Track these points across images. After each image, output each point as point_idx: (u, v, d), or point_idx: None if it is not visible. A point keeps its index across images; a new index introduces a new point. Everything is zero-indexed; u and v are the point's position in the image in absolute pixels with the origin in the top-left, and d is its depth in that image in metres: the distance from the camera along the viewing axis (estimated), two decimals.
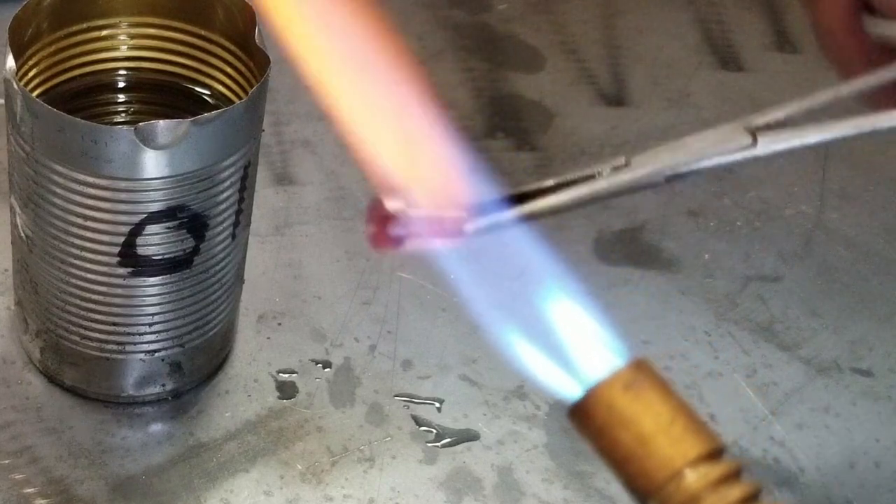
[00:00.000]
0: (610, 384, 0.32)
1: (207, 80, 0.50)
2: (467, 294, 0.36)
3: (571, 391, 0.33)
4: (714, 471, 0.31)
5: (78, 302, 0.48)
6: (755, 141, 0.38)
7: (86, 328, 0.49)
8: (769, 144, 0.38)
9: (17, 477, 0.48)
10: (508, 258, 0.37)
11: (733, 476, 0.32)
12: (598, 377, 0.33)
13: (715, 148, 0.38)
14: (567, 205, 0.37)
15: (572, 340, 0.34)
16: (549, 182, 0.37)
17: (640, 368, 0.33)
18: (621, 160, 0.38)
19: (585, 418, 0.33)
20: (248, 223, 0.50)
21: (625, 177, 0.38)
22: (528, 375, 0.34)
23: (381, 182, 0.35)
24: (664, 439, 0.32)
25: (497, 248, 0.37)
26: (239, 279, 0.51)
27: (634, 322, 0.57)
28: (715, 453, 0.32)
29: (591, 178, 0.38)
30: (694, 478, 0.31)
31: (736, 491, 0.31)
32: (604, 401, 0.32)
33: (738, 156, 0.38)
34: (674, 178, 0.38)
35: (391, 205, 0.34)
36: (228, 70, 0.49)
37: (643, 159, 0.38)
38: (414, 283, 0.57)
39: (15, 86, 0.44)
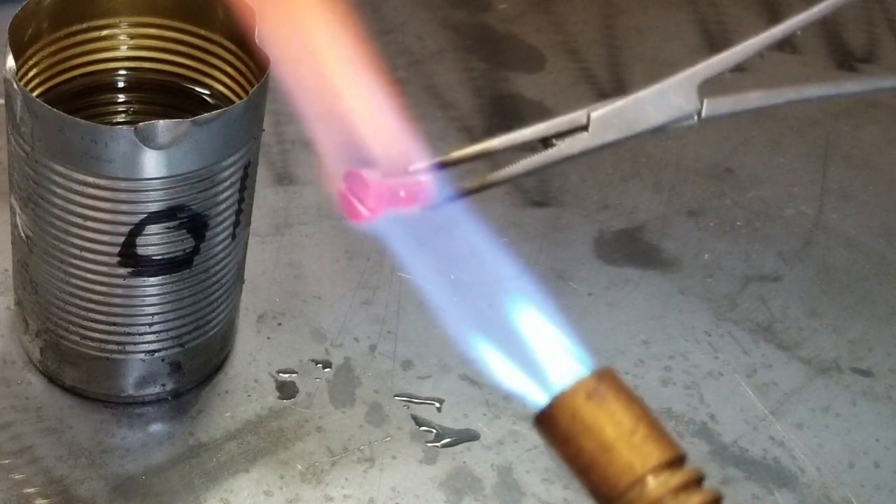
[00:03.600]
0: (573, 393, 0.33)
1: (207, 80, 0.50)
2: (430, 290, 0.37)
3: (537, 400, 0.34)
4: (674, 478, 0.32)
5: (78, 302, 0.48)
6: (702, 105, 0.39)
7: (86, 328, 0.49)
8: (715, 108, 0.39)
9: (17, 477, 0.48)
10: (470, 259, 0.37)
11: (693, 484, 0.32)
12: (562, 386, 0.33)
13: (665, 112, 0.38)
14: (527, 171, 0.38)
15: (538, 348, 0.34)
16: (496, 144, 0.38)
17: (603, 377, 0.33)
18: (583, 119, 0.38)
19: (550, 427, 0.33)
20: (248, 223, 0.50)
21: (582, 142, 0.38)
22: (494, 382, 0.35)
23: (356, 154, 0.36)
24: (626, 447, 0.32)
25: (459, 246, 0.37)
26: (239, 279, 0.51)
27: (634, 322, 0.57)
28: (676, 461, 0.33)
29: (548, 141, 0.38)
30: (654, 485, 0.32)
31: (696, 498, 0.32)
32: (567, 409, 0.33)
33: (686, 122, 0.39)
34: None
35: (367, 175, 0.35)
36: (228, 70, 0.49)
37: (601, 119, 0.38)
38: (414, 282, 0.57)
39: (15, 86, 0.44)
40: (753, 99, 0.39)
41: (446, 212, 0.37)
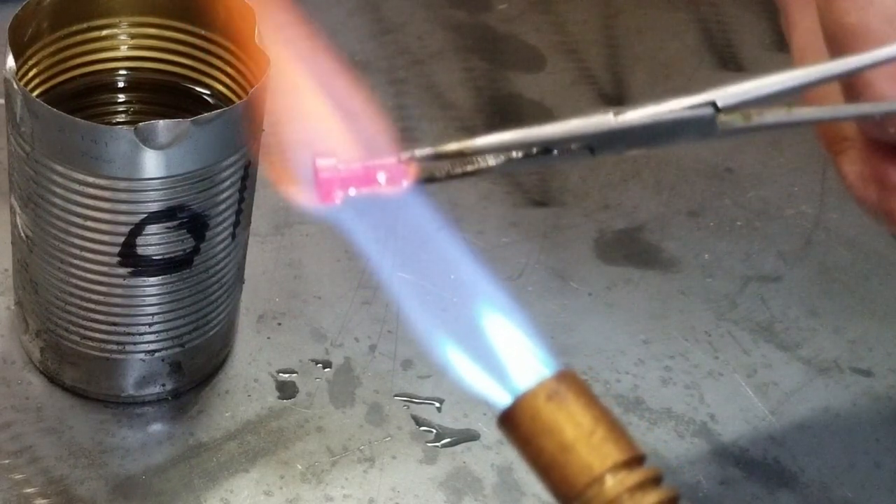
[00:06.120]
0: (534, 394, 0.34)
1: (207, 80, 0.50)
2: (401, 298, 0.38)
3: (500, 400, 0.35)
4: (631, 477, 0.33)
5: (78, 302, 0.48)
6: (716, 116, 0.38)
7: (86, 328, 0.49)
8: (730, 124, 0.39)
9: (17, 477, 0.48)
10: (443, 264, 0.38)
11: (651, 482, 0.33)
12: (524, 387, 0.34)
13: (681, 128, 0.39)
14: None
15: (501, 349, 0.35)
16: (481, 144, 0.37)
17: (564, 379, 0.34)
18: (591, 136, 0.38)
19: (512, 427, 0.34)
20: (248, 223, 0.50)
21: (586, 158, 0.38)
22: (459, 383, 0.36)
23: (317, 144, 0.37)
24: (584, 447, 0.33)
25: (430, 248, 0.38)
26: (239, 279, 0.51)
27: (634, 322, 0.57)
28: (634, 461, 0.33)
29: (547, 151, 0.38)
30: (612, 483, 0.33)
31: (652, 496, 0.33)
32: (528, 410, 0.34)
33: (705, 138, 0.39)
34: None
35: (322, 161, 0.36)
36: (228, 70, 0.49)
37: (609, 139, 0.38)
38: (414, 282, 0.57)
39: (15, 86, 0.44)
40: (769, 116, 0.39)
41: (417, 211, 0.38)
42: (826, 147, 0.45)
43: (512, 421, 0.34)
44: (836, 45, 0.42)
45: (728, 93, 0.38)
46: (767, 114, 0.39)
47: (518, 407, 0.34)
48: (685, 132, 0.38)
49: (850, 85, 0.41)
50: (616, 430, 0.34)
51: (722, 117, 0.38)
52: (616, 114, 0.38)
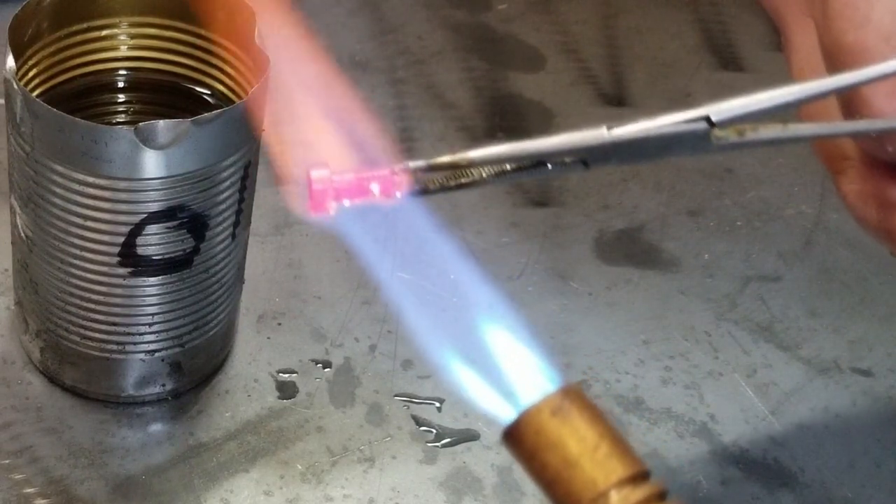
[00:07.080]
0: (539, 409, 0.34)
1: (207, 80, 0.50)
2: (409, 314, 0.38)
3: (505, 415, 0.35)
4: (636, 493, 0.33)
5: (78, 302, 0.48)
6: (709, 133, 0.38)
7: (86, 328, 0.49)
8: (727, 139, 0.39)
9: (17, 477, 0.48)
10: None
11: (655, 498, 0.33)
12: (529, 402, 0.34)
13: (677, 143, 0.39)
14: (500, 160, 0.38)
15: (507, 365, 0.35)
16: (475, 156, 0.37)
17: (569, 394, 0.34)
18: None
19: (516, 442, 0.34)
20: (248, 223, 0.50)
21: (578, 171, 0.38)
22: (464, 397, 0.36)
23: (309, 154, 0.37)
24: (589, 462, 0.33)
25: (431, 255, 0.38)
26: (239, 279, 0.51)
27: (634, 322, 0.57)
28: (638, 476, 0.33)
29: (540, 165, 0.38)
30: (616, 499, 0.33)
31: None
32: (532, 425, 0.34)
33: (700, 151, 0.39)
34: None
35: (315, 173, 0.36)
36: (228, 70, 0.49)
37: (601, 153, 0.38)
38: (414, 283, 0.57)
39: (15, 86, 0.44)
40: (766, 132, 0.39)
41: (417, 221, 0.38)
42: (826, 166, 0.45)
43: (516, 436, 0.34)
44: (835, 63, 0.42)
45: (722, 108, 0.38)
46: (762, 129, 0.39)
47: (522, 422, 0.34)
48: (679, 147, 0.38)
49: (848, 101, 0.41)
50: (621, 445, 0.34)
51: (716, 132, 0.38)
52: (610, 128, 0.38)
